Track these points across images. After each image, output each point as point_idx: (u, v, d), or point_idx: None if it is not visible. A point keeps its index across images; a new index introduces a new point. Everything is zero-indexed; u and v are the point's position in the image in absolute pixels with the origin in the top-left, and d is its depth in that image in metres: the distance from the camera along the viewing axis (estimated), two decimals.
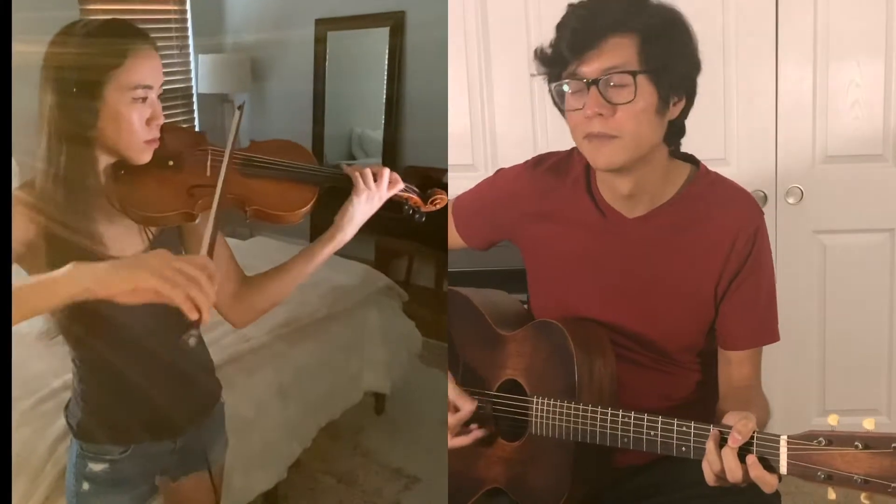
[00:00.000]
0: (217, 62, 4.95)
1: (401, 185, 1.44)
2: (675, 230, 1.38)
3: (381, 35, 4.68)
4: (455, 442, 1.46)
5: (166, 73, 1.29)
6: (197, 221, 1.35)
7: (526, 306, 1.62)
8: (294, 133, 4.86)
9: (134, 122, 1.25)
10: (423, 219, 1.51)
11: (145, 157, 1.29)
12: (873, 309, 2.58)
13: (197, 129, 5.13)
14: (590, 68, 1.25)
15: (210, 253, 1.17)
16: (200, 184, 1.34)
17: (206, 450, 1.56)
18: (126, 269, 1.05)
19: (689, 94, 1.32)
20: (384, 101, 4.78)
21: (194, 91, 5.14)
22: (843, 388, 2.65)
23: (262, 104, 5.26)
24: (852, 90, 2.40)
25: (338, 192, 1.47)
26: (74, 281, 1.04)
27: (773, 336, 1.44)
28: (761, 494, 1.17)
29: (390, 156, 4.82)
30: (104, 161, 1.30)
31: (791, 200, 2.50)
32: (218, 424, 1.62)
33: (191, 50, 5.07)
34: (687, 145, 1.41)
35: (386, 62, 4.71)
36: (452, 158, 2.53)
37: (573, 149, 1.44)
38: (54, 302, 1.06)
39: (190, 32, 5.04)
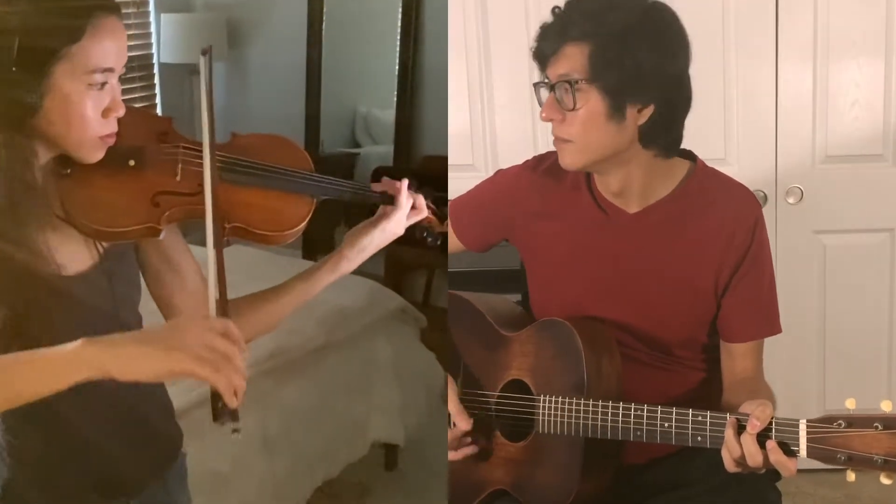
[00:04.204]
0: (184, 23, 4.97)
1: (424, 213, 1.56)
2: (675, 224, 1.70)
3: None
4: (449, 457, 1.76)
5: None
6: (161, 237, 1.35)
7: (520, 307, 1.93)
8: (282, 114, 4.93)
9: (87, 112, 1.25)
10: (438, 242, 1.59)
11: (97, 155, 1.30)
12: (873, 309, 3.10)
13: (159, 110, 5.16)
14: (552, 73, 1.59)
15: (223, 310, 1.21)
16: (168, 191, 1.34)
17: None
18: (158, 349, 1.11)
19: (663, 101, 1.58)
20: (396, 73, 4.80)
21: (155, 61, 5.17)
22: (844, 388, 2.98)
23: (240, 77, 5.29)
24: (852, 90, 2.91)
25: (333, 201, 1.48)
26: (87, 363, 1.11)
27: (775, 327, 1.77)
28: (761, 488, 1.63)
29: (404, 142, 4.85)
30: (44, 155, 1.29)
31: (791, 200, 3.00)
32: (179, 481, 1.62)
33: (151, 8, 5.09)
34: (687, 145, 1.71)
35: (399, 24, 4.74)
36: (452, 158, 3.01)
37: None
38: (55, 387, 1.11)
39: None
